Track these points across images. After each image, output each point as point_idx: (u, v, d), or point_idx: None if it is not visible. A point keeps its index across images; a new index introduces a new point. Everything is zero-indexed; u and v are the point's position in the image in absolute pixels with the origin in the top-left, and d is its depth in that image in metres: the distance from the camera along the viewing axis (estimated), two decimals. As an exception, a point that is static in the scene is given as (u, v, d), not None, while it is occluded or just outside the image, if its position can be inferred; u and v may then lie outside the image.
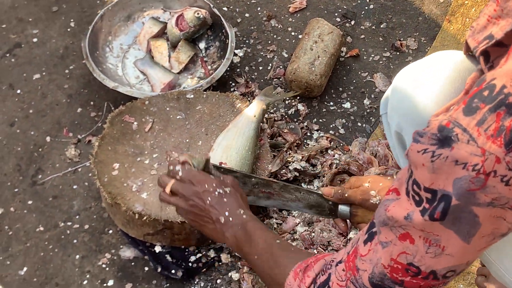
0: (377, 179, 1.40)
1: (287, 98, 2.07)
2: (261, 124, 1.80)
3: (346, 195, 1.43)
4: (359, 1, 2.34)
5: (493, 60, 0.88)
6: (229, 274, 1.71)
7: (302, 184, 1.86)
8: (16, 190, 1.87)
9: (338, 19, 2.29)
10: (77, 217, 1.82)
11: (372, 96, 2.10)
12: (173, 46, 2.14)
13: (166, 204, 1.39)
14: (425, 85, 1.21)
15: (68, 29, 2.24)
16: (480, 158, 0.78)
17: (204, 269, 1.72)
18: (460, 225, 0.83)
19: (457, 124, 0.80)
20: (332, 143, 1.97)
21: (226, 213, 1.31)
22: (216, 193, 1.33)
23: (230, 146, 1.70)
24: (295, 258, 1.14)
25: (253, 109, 1.77)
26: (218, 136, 1.74)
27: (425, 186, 0.83)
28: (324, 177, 1.86)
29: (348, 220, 1.49)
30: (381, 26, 2.28)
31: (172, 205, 1.37)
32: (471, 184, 0.79)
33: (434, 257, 0.87)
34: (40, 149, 1.95)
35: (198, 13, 2.11)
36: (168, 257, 1.71)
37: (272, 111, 2.02)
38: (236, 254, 1.73)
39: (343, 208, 1.45)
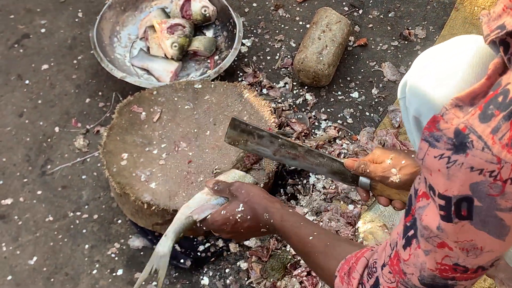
0: (400, 157, 1.38)
1: (296, 88, 2.07)
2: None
3: (368, 171, 1.42)
4: (367, -10, 2.34)
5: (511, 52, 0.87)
6: (238, 263, 1.72)
7: (310, 174, 1.86)
8: (25, 180, 1.88)
9: (346, 8, 2.28)
10: (86, 207, 1.83)
11: (380, 85, 2.09)
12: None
13: None
14: (446, 70, 1.20)
15: (76, 20, 2.25)
16: (496, 166, 0.78)
17: (213, 259, 1.73)
18: (489, 227, 0.83)
19: (473, 130, 0.79)
20: (340, 132, 1.96)
21: (260, 224, 1.36)
22: (239, 221, 1.37)
23: None
24: (334, 257, 1.16)
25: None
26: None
27: (439, 192, 0.83)
28: (332, 166, 1.86)
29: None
30: (389, 15, 2.27)
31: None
32: (490, 190, 0.79)
33: (476, 257, 0.88)
34: (49, 140, 1.96)
35: (205, 10, 2.11)
36: (177, 247, 1.71)
37: (280, 101, 2.02)
38: (244, 244, 1.73)
39: (363, 180, 1.46)
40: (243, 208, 1.37)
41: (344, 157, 1.86)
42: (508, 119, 0.77)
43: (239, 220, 1.37)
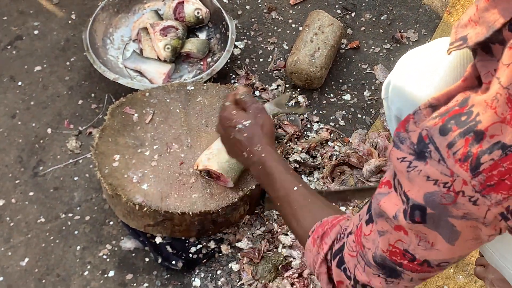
0: None
1: (288, 90, 2.07)
2: None
3: None
4: (359, -7, 2.34)
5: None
6: (229, 265, 1.72)
7: (302, 176, 1.86)
8: (17, 181, 1.88)
9: (339, 11, 2.29)
10: (78, 208, 1.83)
11: (372, 88, 2.10)
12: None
13: None
14: (426, 71, 1.22)
15: (69, 21, 2.25)
16: (449, 178, 0.82)
17: (204, 260, 1.73)
18: (441, 229, 0.87)
19: (432, 141, 0.83)
20: (332, 134, 1.97)
21: (247, 149, 1.37)
22: (237, 128, 1.39)
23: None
24: (312, 215, 1.18)
25: None
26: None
27: (404, 190, 0.88)
28: (324, 168, 1.87)
29: None
30: (382, 18, 2.28)
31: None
32: (442, 199, 0.83)
33: (425, 249, 0.91)
34: (41, 141, 1.96)
35: (198, 12, 2.12)
36: (169, 248, 1.71)
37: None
38: (236, 245, 1.74)
39: None
40: (247, 125, 1.39)
41: (336, 159, 1.87)
42: (463, 136, 0.80)
43: (237, 128, 1.39)
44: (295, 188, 1.26)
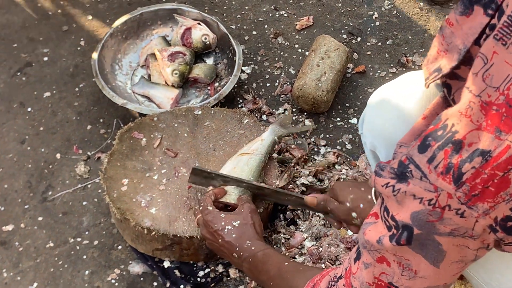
0: (358, 199, 1.44)
1: (295, 114, 2.09)
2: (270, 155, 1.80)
3: (329, 208, 1.49)
4: (365, 18, 2.36)
5: (453, 92, 0.91)
6: (238, 289, 1.72)
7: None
8: (26, 206, 1.89)
9: (345, 36, 2.31)
10: (87, 233, 1.84)
11: (379, 111, 2.11)
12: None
13: None
14: (395, 106, 1.26)
15: (78, 48, 2.28)
16: (433, 194, 0.82)
17: (213, 284, 1.73)
18: (427, 250, 0.87)
19: (412, 160, 0.84)
20: (339, 158, 1.98)
21: (237, 249, 1.44)
22: (226, 230, 1.46)
23: (233, 173, 1.68)
24: (304, 277, 1.21)
25: (264, 140, 1.77)
26: (227, 162, 1.74)
27: (392, 215, 0.88)
28: (331, 192, 1.87)
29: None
30: (387, 42, 2.29)
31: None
32: (429, 216, 0.83)
33: (409, 279, 0.92)
34: (50, 166, 1.97)
35: (205, 38, 2.14)
36: (177, 272, 1.72)
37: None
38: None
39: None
40: (236, 225, 1.47)
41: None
42: (442, 148, 0.81)
43: (225, 230, 1.46)
44: (286, 263, 1.33)
